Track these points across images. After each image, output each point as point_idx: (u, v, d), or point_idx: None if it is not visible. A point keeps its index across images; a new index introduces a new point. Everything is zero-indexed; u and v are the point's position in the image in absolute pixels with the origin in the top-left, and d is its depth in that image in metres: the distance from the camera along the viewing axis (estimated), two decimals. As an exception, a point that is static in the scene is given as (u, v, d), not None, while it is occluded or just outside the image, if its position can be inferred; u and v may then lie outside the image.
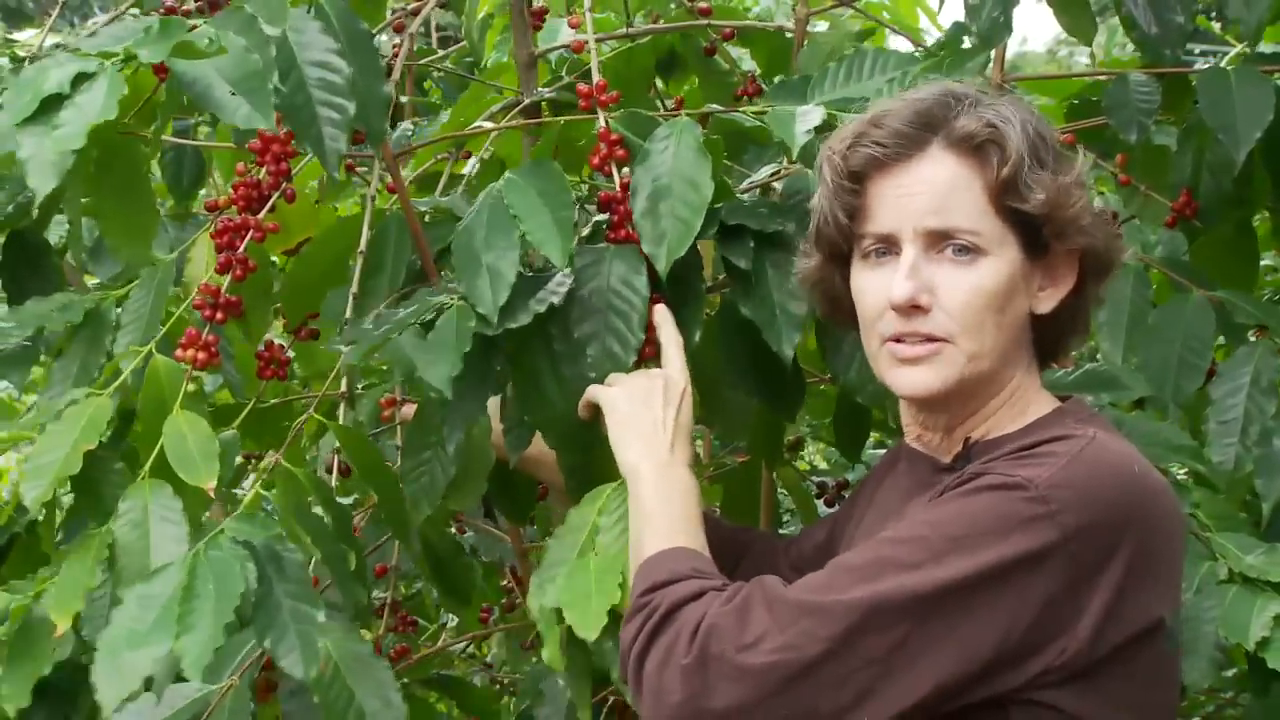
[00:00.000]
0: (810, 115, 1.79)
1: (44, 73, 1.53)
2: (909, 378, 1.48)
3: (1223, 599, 1.86)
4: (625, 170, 1.80)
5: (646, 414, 1.61)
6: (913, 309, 1.45)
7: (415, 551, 2.09)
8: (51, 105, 1.51)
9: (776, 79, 2.64)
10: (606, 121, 1.83)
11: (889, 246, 1.48)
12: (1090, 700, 1.35)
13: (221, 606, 1.46)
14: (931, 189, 1.45)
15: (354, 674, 1.67)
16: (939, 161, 1.45)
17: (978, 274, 1.44)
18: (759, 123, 1.86)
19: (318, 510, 1.82)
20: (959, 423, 1.52)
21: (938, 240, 1.45)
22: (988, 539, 1.32)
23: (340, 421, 1.89)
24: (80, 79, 1.52)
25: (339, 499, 1.87)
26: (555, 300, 1.72)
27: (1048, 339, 1.55)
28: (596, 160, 1.82)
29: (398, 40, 2.03)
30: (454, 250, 1.73)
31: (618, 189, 1.78)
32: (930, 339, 1.46)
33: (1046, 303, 1.51)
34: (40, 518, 1.87)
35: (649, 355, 1.71)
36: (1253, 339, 2.19)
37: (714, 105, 2.10)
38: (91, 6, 11.38)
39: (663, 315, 1.72)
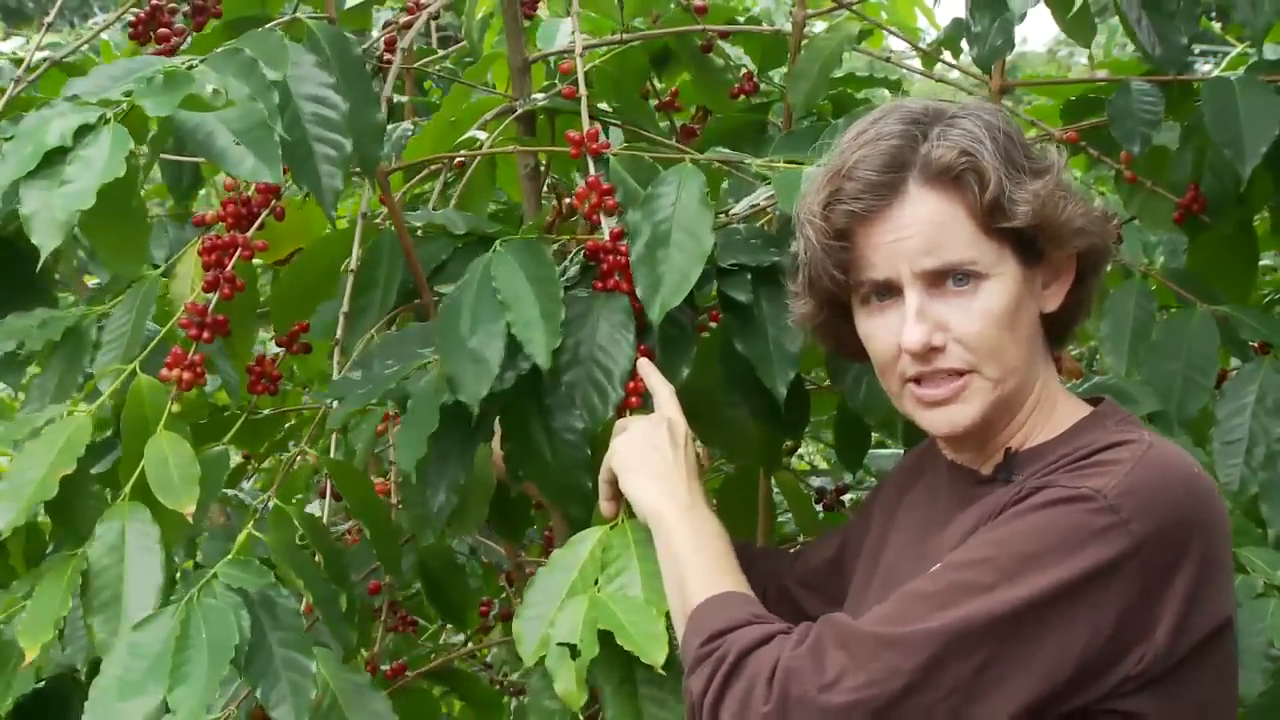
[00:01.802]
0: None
1: (44, 124, 1.49)
2: (941, 418, 1.47)
3: (1264, 611, 1.87)
4: (614, 220, 1.80)
5: (655, 455, 1.60)
6: (929, 350, 1.44)
7: (403, 581, 2.09)
8: (54, 159, 1.48)
9: (775, 75, 2.65)
10: (597, 170, 1.81)
11: (889, 290, 1.46)
12: (1165, 704, 1.34)
13: (216, 657, 1.46)
14: (920, 230, 1.42)
15: (350, 703, 1.66)
16: (920, 201, 1.43)
17: (983, 299, 1.43)
18: (768, 173, 1.86)
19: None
20: (993, 437, 1.50)
21: (937, 278, 1.43)
22: (1061, 554, 1.31)
23: (332, 448, 1.88)
24: (83, 131, 1.49)
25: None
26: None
27: (1057, 329, 1.54)
28: (586, 209, 1.81)
29: (389, 52, 2.02)
30: (439, 326, 1.72)
31: (607, 238, 1.77)
32: (953, 373, 1.45)
33: (1053, 300, 1.50)
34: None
35: (635, 405, 1.71)
36: (1253, 345, 2.18)
37: (723, 150, 2.08)
38: (91, 6, 11.36)
39: (646, 367, 1.72)
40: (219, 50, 1.57)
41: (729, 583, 1.49)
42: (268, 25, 1.72)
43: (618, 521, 1.65)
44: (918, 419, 1.49)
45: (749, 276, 1.80)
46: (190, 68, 1.54)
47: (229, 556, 1.62)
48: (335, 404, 1.85)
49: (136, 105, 1.49)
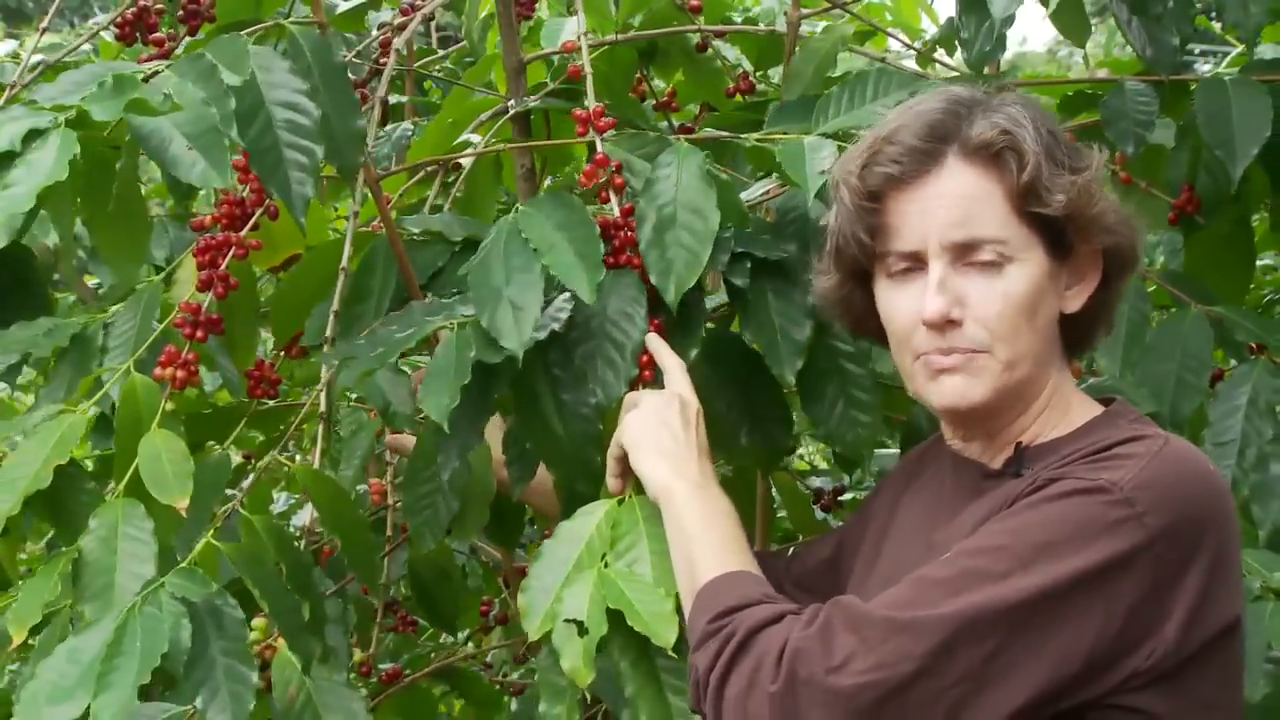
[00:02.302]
0: (822, 152, 1.77)
1: None
2: (948, 387, 1.46)
3: (1262, 613, 1.87)
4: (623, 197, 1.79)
5: (665, 431, 1.59)
6: (946, 324, 1.44)
7: (382, 589, 2.09)
8: (2, 163, 1.48)
9: (773, 74, 2.65)
10: (604, 148, 1.81)
11: (914, 263, 1.46)
12: (1172, 701, 1.34)
13: (143, 667, 1.45)
14: (953, 202, 1.43)
15: (325, 702, 1.66)
16: (957, 173, 1.44)
17: (1007, 281, 1.43)
18: (765, 147, 1.85)
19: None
20: (1002, 429, 1.50)
21: (964, 252, 1.43)
22: (1075, 544, 1.31)
23: (319, 439, 1.88)
24: (32, 135, 1.49)
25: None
26: (556, 326, 1.71)
27: (1075, 335, 1.54)
28: (590, 184, 1.80)
29: (384, 52, 2.02)
30: (471, 285, 1.70)
31: (617, 215, 1.77)
32: (966, 351, 1.45)
33: (1074, 301, 1.50)
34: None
35: (648, 379, 1.70)
36: (1249, 347, 2.18)
37: (712, 130, 2.08)
38: (91, 7, 11.39)
39: (656, 342, 1.70)
40: (184, 56, 1.58)
41: (738, 562, 1.48)
42: (246, 30, 1.73)
43: (626, 496, 1.64)
44: (926, 392, 1.48)
45: (749, 264, 1.80)
46: (155, 73, 1.55)
47: (179, 565, 1.62)
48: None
49: (84, 110, 1.50)
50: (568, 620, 1.51)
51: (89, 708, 1.43)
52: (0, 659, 1.65)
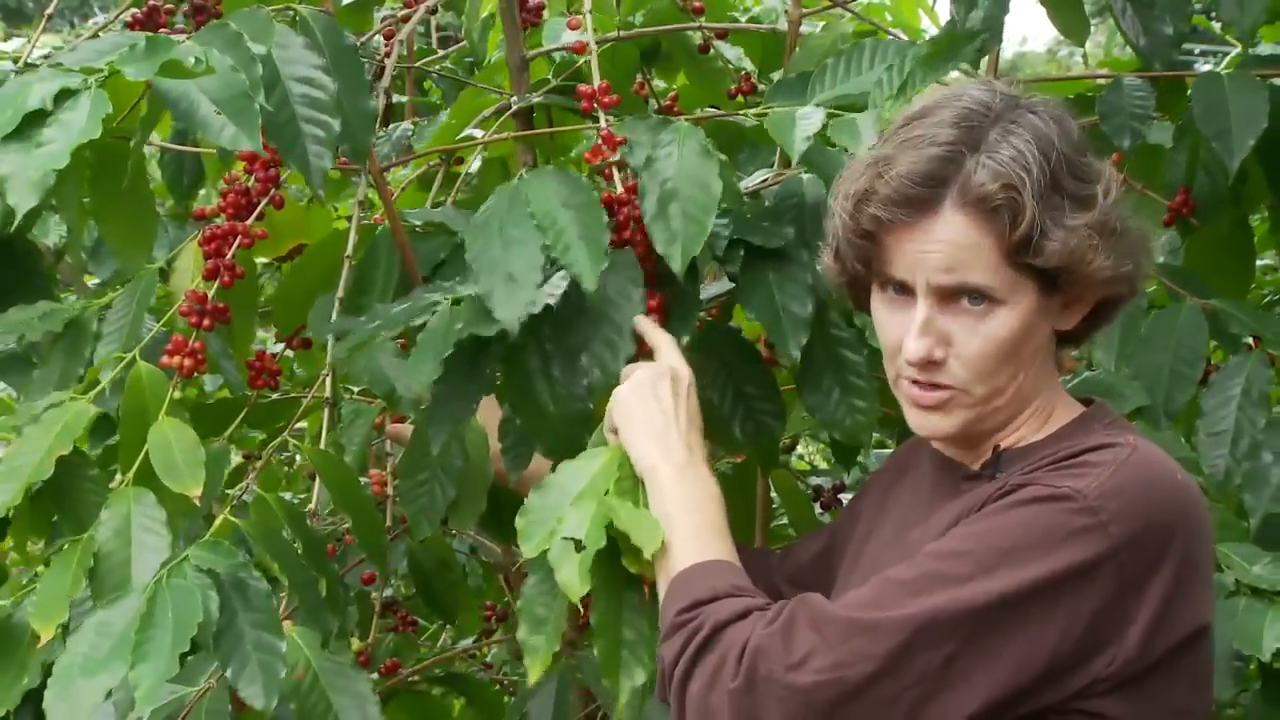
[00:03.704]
0: (810, 119, 1.77)
1: (26, 88, 1.49)
2: (924, 422, 1.48)
3: (1234, 611, 1.86)
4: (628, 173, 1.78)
5: (655, 407, 1.58)
6: (928, 363, 1.45)
7: (386, 574, 2.09)
8: (34, 122, 1.48)
9: (775, 76, 2.66)
10: (609, 124, 1.81)
11: (905, 289, 1.46)
12: (1136, 706, 1.35)
13: (179, 636, 1.45)
14: (944, 248, 1.42)
15: (332, 684, 1.66)
16: (951, 222, 1.41)
17: (993, 324, 1.43)
18: (758, 122, 1.85)
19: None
20: (983, 439, 1.51)
21: (952, 295, 1.43)
22: (1038, 551, 1.32)
23: (324, 424, 1.89)
24: (63, 95, 1.49)
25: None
26: (551, 302, 1.70)
27: (1069, 336, 1.54)
28: (596, 160, 1.79)
29: (388, 45, 2.02)
30: (469, 248, 1.68)
31: (621, 191, 1.76)
32: (944, 386, 1.46)
33: (1068, 322, 1.50)
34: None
35: (645, 351, 1.69)
36: (1248, 341, 2.18)
37: (710, 109, 2.08)
38: (91, 7, 11.40)
39: (644, 324, 1.69)
40: (206, 27, 1.59)
41: (715, 550, 1.48)
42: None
43: None
44: (905, 415, 1.50)
45: (741, 252, 1.81)
46: (179, 43, 1.54)
47: (202, 539, 1.62)
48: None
49: (117, 70, 1.49)
50: (565, 538, 1.50)
51: (125, 678, 1.43)
52: (32, 654, 1.64)
